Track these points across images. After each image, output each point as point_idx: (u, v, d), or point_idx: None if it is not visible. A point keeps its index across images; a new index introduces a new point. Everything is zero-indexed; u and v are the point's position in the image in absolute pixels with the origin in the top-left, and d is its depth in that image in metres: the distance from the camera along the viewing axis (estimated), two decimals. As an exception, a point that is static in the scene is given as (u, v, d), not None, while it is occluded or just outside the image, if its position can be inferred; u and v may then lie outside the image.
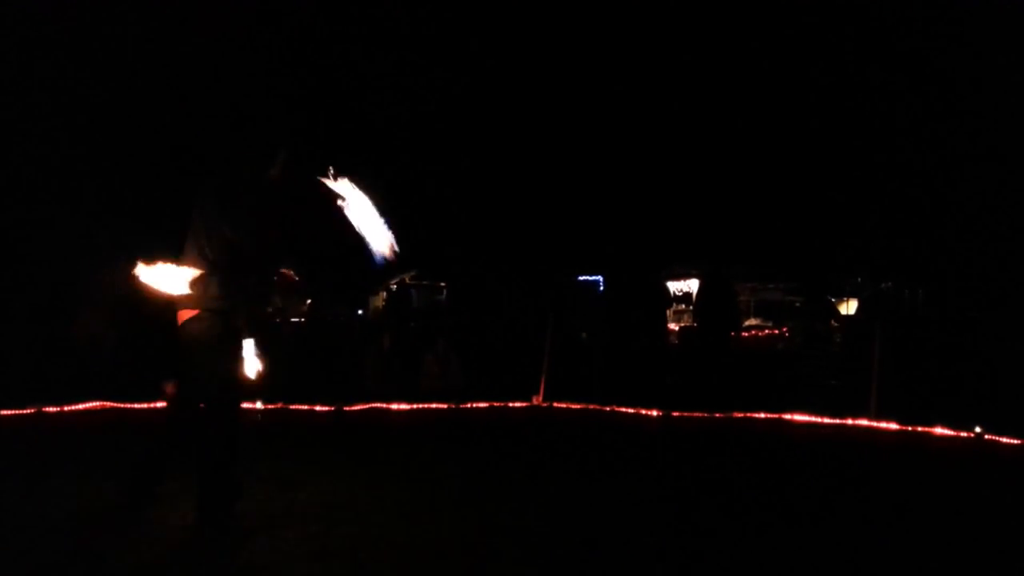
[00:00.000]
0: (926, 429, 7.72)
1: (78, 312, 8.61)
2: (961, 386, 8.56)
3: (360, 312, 15.72)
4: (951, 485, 5.72)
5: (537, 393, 8.95)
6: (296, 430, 7.02)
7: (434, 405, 8.45)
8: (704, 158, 15.04)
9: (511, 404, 8.69)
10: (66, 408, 7.38)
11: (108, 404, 7.66)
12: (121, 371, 8.44)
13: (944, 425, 7.67)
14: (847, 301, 17.78)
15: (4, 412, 7.03)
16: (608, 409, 8.55)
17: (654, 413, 8.36)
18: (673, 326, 13.53)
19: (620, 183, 14.61)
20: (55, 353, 8.50)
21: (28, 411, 7.16)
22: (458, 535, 4.09)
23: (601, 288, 14.61)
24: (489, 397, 8.74)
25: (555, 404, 8.79)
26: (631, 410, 8.47)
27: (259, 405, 7.92)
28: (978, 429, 7.44)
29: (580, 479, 5.42)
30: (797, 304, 20.58)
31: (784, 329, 19.27)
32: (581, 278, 16.32)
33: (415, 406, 8.34)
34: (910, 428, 7.78)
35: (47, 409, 7.27)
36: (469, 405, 8.55)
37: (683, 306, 17.50)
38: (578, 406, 8.68)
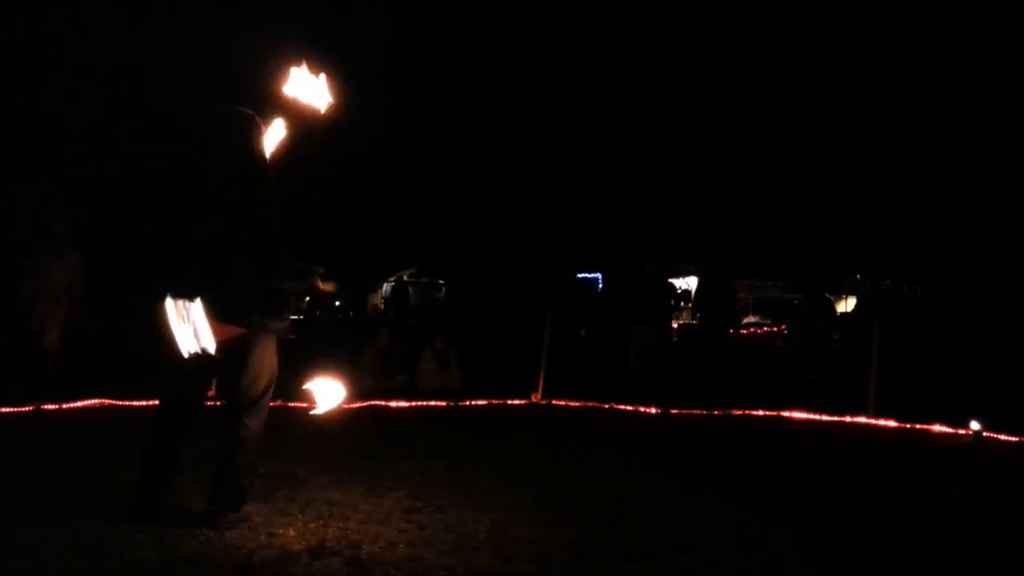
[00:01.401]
0: (924, 426, 7.73)
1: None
2: (959, 383, 8.58)
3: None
4: (949, 482, 5.73)
5: (536, 390, 8.95)
6: (295, 428, 7.01)
7: (433, 403, 8.45)
8: (704, 156, 15.04)
9: (510, 402, 8.69)
10: (64, 406, 7.37)
11: (107, 402, 7.65)
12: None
13: (942, 422, 7.68)
14: (845, 299, 17.81)
15: (2, 410, 7.02)
16: (607, 406, 8.55)
17: (653, 410, 8.37)
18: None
19: (619, 181, 14.61)
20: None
21: (26, 408, 7.15)
22: (458, 532, 4.09)
23: (600, 285, 14.62)
24: (488, 395, 8.74)
25: (554, 401, 8.79)
26: (630, 407, 8.48)
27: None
28: (976, 426, 7.45)
29: (579, 476, 5.42)
30: (795, 302, 20.60)
31: (783, 327, 19.30)
32: (580, 275, 16.33)
33: (414, 403, 8.34)
34: (908, 425, 7.79)
35: (46, 407, 7.25)
36: (468, 403, 8.55)
37: (683, 303, 17.51)
38: (577, 403, 8.69)
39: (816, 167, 14.78)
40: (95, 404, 7.59)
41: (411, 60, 12.48)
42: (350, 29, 12.24)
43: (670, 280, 15.90)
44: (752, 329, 19.72)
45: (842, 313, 14.52)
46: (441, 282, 17.74)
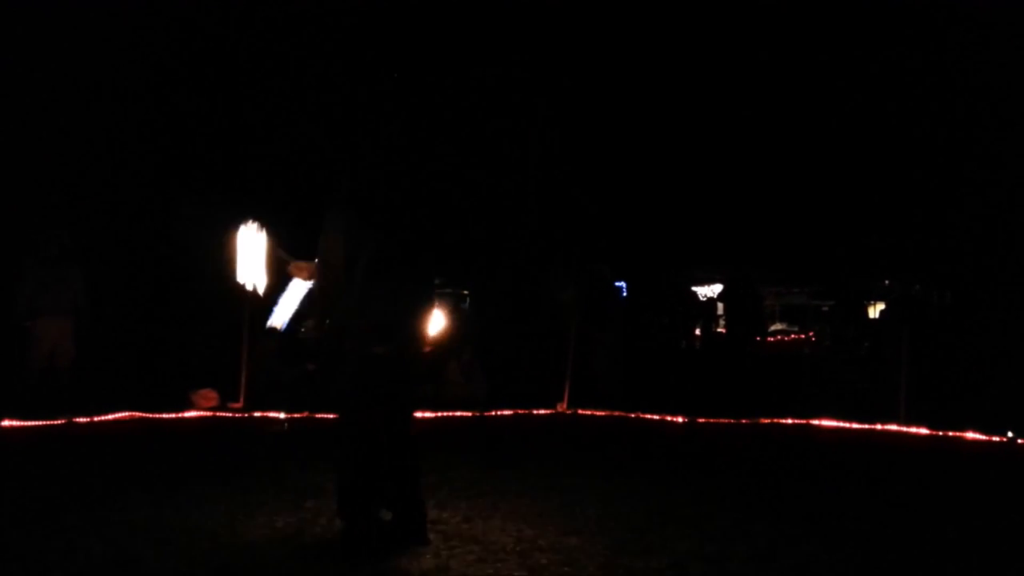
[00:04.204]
0: (957, 433, 7.60)
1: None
2: (992, 389, 8.43)
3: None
4: (982, 490, 5.63)
5: (561, 400, 8.93)
6: (322, 439, 7.05)
7: (458, 413, 8.45)
8: (728, 161, 14.98)
9: (535, 412, 8.68)
10: (96, 419, 7.47)
11: (138, 414, 7.74)
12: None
13: (975, 429, 7.55)
14: (874, 304, 17.61)
15: (35, 423, 7.13)
16: (633, 415, 8.51)
17: (679, 419, 8.32)
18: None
19: (642, 186, 14.57)
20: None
21: (59, 422, 7.25)
22: (484, 543, 4.09)
23: (624, 294, 14.55)
24: (513, 404, 8.72)
25: (579, 411, 8.76)
26: (656, 416, 8.43)
27: (282, 415, 7.98)
28: (1010, 433, 7.33)
29: (606, 486, 5.40)
30: (824, 308, 20.41)
31: (810, 333, 19.14)
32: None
33: (439, 414, 8.34)
34: (940, 433, 7.67)
35: (77, 420, 7.35)
36: (493, 413, 8.55)
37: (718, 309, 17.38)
38: (602, 413, 8.65)
39: (843, 172, 14.66)
40: (126, 417, 7.68)
41: (422, 67, 12.52)
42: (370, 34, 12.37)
43: (693, 288, 15.83)
44: (779, 336, 19.58)
45: (871, 319, 14.37)
46: (465, 292, 17.76)
